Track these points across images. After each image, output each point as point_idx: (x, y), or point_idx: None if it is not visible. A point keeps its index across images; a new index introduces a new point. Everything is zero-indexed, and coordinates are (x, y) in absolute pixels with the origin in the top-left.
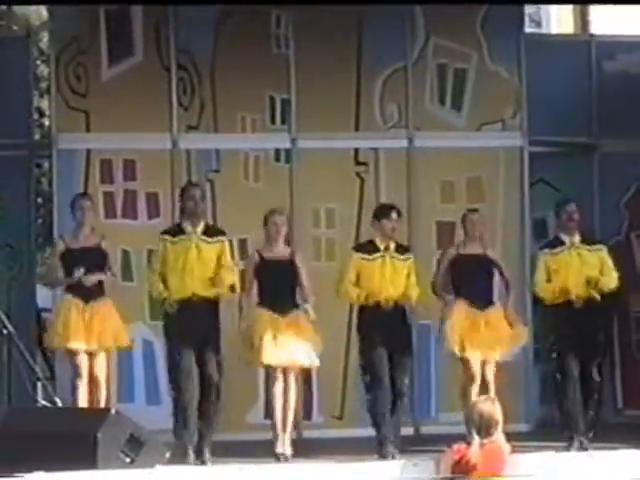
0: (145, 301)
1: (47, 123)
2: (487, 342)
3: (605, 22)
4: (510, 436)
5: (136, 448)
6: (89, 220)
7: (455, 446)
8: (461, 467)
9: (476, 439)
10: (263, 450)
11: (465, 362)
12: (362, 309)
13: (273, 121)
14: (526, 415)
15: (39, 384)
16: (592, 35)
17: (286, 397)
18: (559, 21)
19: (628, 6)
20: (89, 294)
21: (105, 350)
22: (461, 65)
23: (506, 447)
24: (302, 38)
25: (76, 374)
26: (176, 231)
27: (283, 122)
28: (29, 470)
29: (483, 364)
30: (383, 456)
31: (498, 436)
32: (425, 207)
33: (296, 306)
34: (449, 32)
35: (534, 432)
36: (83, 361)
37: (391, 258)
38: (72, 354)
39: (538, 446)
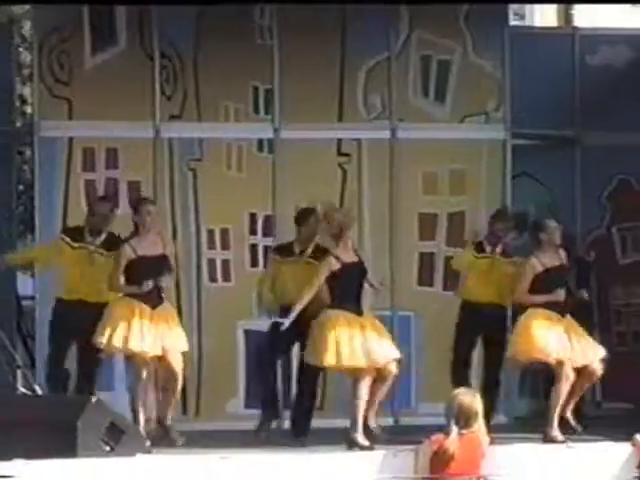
0: None
1: (29, 111)
2: None
3: (588, 15)
4: (489, 428)
5: (116, 437)
6: (155, 225)
7: (433, 437)
8: (439, 457)
9: (454, 429)
10: (243, 439)
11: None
12: None
13: (256, 111)
14: (505, 408)
15: (19, 372)
16: (575, 28)
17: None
18: (542, 14)
19: (609, 5)
20: (152, 300)
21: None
22: (444, 57)
23: (485, 439)
24: (286, 28)
25: (140, 379)
26: None
27: (266, 112)
28: (9, 458)
29: None
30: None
31: (478, 427)
32: (407, 199)
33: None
34: (433, 24)
35: (513, 424)
36: (145, 363)
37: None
38: (139, 359)
39: (517, 438)
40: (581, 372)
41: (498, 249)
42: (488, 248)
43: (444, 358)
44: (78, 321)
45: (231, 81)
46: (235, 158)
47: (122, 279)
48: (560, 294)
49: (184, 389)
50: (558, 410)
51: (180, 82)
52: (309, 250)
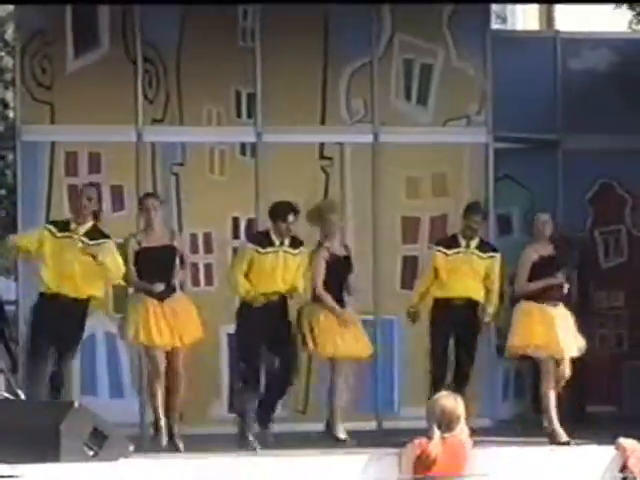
0: (109, 292)
1: (12, 115)
2: None
3: (570, 19)
4: (472, 431)
5: (99, 441)
6: (159, 220)
7: (416, 440)
8: (422, 461)
9: (437, 433)
10: (226, 443)
11: None
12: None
13: (239, 115)
14: (488, 411)
15: (1, 377)
16: (558, 32)
17: None
18: (525, 18)
19: (591, 6)
20: (163, 294)
21: (185, 345)
22: (427, 61)
23: (468, 442)
24: (268, 32)
25: (155, 371)
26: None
27: (249, 116)
28: None
29: None
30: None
31: (460, 431)
32: (390, 202)
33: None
34: (415, 28)
35: (496, 428)
36: (162, 357)
37: (284, 253)
38: (152, 350)
39: (500, 441)
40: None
41: (473, 243)
42: (463, 242)
43: (426, 362)
44: (57, 317)
45: (213, 85)
46: (218, 162)
47: (135, 273)
48: (559, 277)
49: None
50: (554, 408)
51: (162, 86)
52: (287, 241)
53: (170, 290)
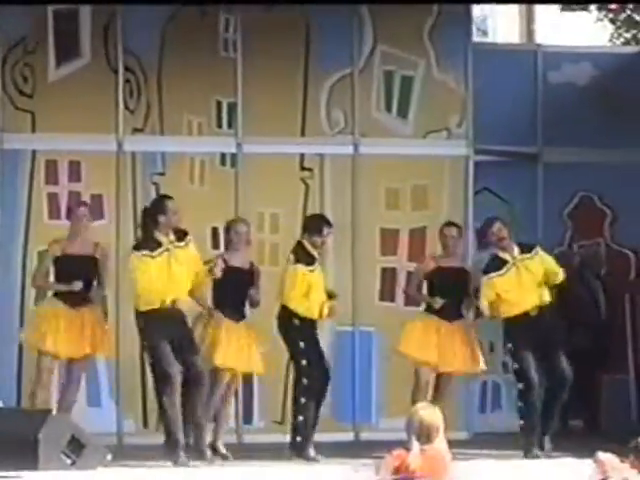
0: None
1: None
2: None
3: (550, 33)
4: (450, 444)
5: (77, 450)
6: (84, 227)
7: (395, 452)
8: (401, 473)
9: (416, 445)
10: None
11: None
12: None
13: (219, 125)
14: (466, 423)
15: None
16: (539, 45)
17: None
18: (505, 31)
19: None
20: (77, 301)
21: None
22: (408, 73)
23: (447, 454)
24: (250, 42)
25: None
26: None
27: (229, 126)
28: None
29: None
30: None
31: (440, 443)
32: (369, 214)
33: None
34: (396, 39)
35: (473, 440)
36: (58, 366)
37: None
38: (51, 357)
39: (477, 454)
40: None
41: (515, 253)
42: (508, 257)
43: (405, 374)
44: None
45: (194, 95)
46: (198, 172)
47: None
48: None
49: (144, 402)
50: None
51: (143, 96)
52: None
53: (83, 297)
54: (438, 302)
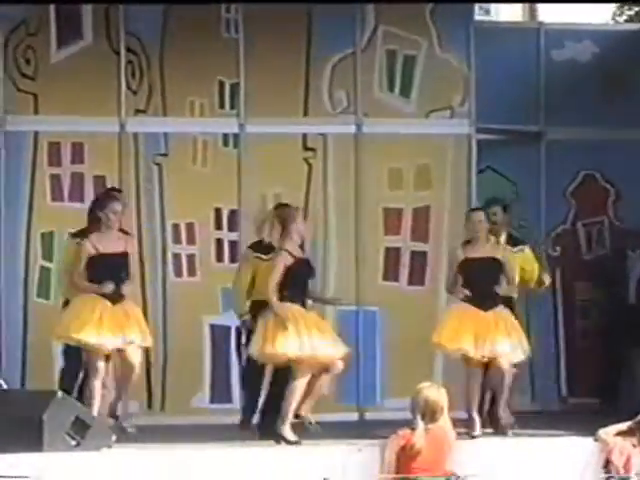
0: None
1: None
2: None
3: (553, 10)
4: (454, 423)
5: (82, 431)
6: (117, 225)
7: (400, 432)
8: (406, 452)
9: (420, 424)
10: (208, 434)
11: None
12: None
13: (222, 105)
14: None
15: None
16: (541, 23)
17: None
18: (508, 9)
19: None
20: (113, 297)
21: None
22: (410, 52)
23: (451, 433)
24: (252, 23)
25: (92, 370)
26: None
27: (232, 107)
28: None
29: None
30: None
31: (444, 422)
32: (373, 194)
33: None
34: (398, 19)
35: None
36: (100, 357)
37: None
38: (95, 350)
39: (483, 432)
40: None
41: (502, 239)
42: (492, 239)
43: (409, 353)
44: None
45: (197, 76)
46: (200, 153)
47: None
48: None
49: (149, 384)
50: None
51: (146, 77)
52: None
53: (119, 296)
54: (463, 292)
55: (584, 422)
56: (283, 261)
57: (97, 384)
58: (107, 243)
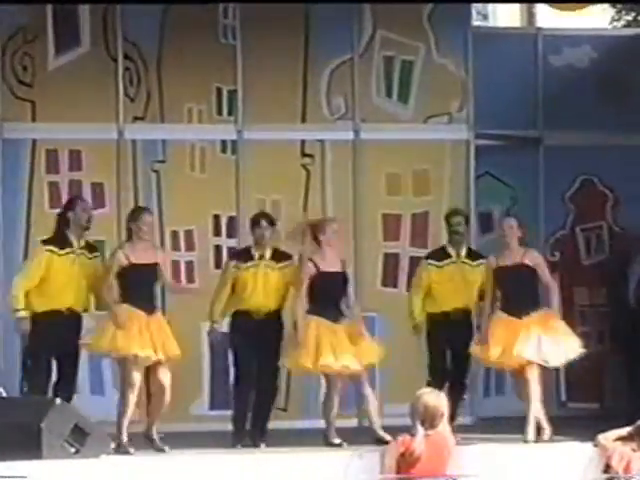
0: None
1: None
2: None
3: (551, 15)
4: (454, 429)
5: (81, 438)
6: (149, 236)
7: (400, 438)
8: (406, 458)
9: (420, 430)
10: (206, 441)
11: None
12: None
13: (219, 112)
14: (470, 408)
15: None
16: (539, 29)
17: None
18: (506, 14)
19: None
20: (146, 307)
21: (167, 359)
22: (408, 57)
23: (451, 439)
24: (249, 29)
25: (130, 383)
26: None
27: (230, 113)
28: None
29: None
30: None
31: (443, 428)
32: (371, 199)
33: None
34: (396, 24)
35: (478, 425)
36: (139, 370)
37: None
38: (130, 362)
39: (482, 439)
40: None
41: (462, 252)
42: (453, 252)
43: (408, 359)
44: (61, 331)
45: (194, 82)
46: (198, 159)
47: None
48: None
49: (148, 390)
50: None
51: (143, 84)
52: (267, 254)
53: (152, 306)
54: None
55: (583, 427)
56: (307, 272)
57: (132, 398)
58: (140, 254)
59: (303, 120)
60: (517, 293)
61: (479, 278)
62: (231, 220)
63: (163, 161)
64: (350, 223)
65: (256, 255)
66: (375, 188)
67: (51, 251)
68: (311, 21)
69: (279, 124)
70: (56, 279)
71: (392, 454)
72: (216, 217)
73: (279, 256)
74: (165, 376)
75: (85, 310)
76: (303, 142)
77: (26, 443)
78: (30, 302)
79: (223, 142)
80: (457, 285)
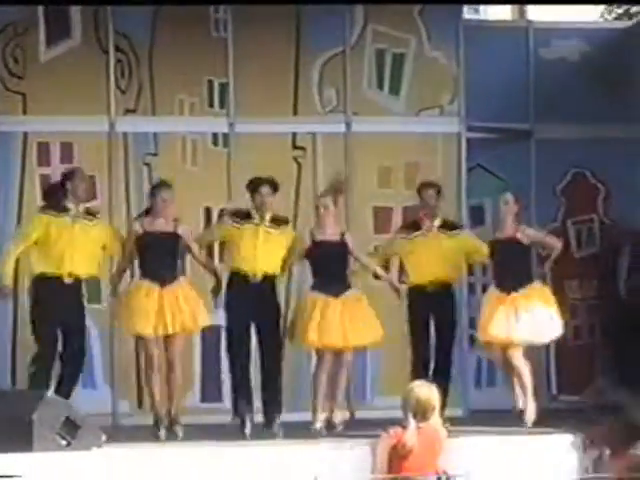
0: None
1: None
2: None
3: (542, 9)
4: (445, 421)
5: (72, 431)
6: (169, 213)
7: (391, 430)
8: (398, 451)
9: (412, 423)
10: (198, 433)
11: None
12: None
13: (211, 105)
14: (461, 400)
15: None
16: (530, 22)
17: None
18: (497, 7)
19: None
20: (164, 279)
21: (184, 332)
22: (399, 50)
23: (442, 431)
24: (241, 22)
25: (149, 362)
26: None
27: (221, 106)
28: None
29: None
30: None
31: (435, 420)
32: (362, 192)
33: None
34: (388, 17)
35: (468, 417)
36: (155, 348)
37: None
38: (144, 341)
39: (473, 431)
40: None
41: (436, 222)
42: (426, 223)
43: (399, 351)
44: (64, 298)
45: (186, 75)
46: (190, 152)
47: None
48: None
49: (139, 383)
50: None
51: (135, 76)
52: (267, 217)
53: (170, 274)
54: None
55: (574, 420)
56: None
57: (153, 377)
58: (157, 225)
59: (295, 113)
60: (508, 268)
61: (457, 248)
62: (223, 213)
63: (155, 154)
64: (341, 215)
65: (256, 217)
66: (366, 180)
67: (48, 214)
68: (302, 14)
69: (270, 117)
70: (57, 243)
71: (383, 447)
72: (207, 209)
73: (278, 221)
74: (173, 350)
75: (92, 277)
76: (294, 135)
77: (17, 435)
78: (31, 267)
79: (215, 135)
80: (430, 257)
